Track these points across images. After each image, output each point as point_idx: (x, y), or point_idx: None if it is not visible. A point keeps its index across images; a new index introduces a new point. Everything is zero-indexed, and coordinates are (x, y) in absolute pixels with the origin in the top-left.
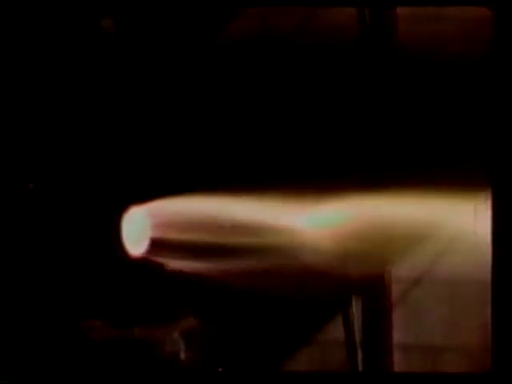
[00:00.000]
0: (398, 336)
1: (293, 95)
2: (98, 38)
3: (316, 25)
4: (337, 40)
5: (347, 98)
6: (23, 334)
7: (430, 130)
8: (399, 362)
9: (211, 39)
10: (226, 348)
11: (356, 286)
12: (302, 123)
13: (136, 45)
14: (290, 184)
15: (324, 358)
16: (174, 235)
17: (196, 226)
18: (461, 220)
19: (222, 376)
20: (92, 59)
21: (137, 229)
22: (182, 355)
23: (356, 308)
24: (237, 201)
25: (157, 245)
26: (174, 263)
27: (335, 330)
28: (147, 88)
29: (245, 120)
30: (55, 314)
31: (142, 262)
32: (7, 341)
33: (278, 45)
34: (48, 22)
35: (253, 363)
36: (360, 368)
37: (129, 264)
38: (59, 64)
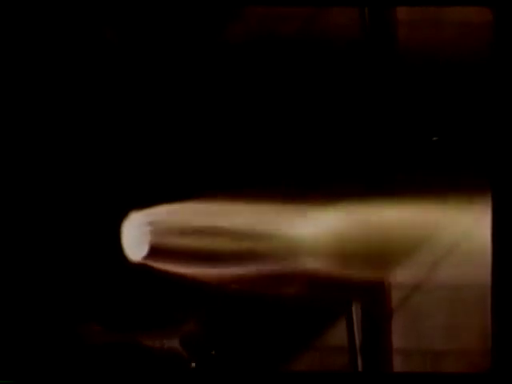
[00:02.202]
0: (397, 341)
1: (292, 99)
2: (99, 41)
3: (316, 28)
4: (336, 43)
5: (347, 102)
6: (23, 336)
7: (429, 134)
8: (399, 367)
9: (212, 42)
10: (226, 353)
11: (356, 291)
12: (303, 128)
13: (138, 49)
14: (291, 189)
15: (324, 364)
16: (173, 241)
17: (196, 231)
18: (460, 225)
19: (222, 378)
20: (94, 63)
21: (137, 234)
22: (183, 360)
23: (356, 313)
24: (236, 206)
25: (156, 250)
26: (174, 268)
27: (335, 336)
28: (148, 94)
29: (245, 125)
30: (55, 318)
31: (141, 268)
32: (7, 343)
33: (277, 48)
34: (49, 25)
35: (253, 367)
36: None
37: (129, 269)
38: (61, 67)
